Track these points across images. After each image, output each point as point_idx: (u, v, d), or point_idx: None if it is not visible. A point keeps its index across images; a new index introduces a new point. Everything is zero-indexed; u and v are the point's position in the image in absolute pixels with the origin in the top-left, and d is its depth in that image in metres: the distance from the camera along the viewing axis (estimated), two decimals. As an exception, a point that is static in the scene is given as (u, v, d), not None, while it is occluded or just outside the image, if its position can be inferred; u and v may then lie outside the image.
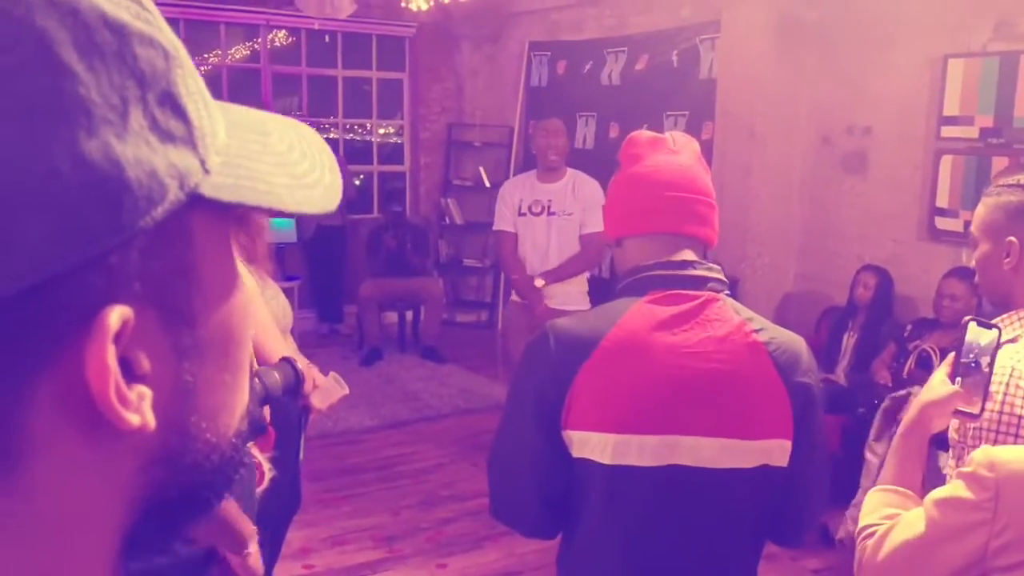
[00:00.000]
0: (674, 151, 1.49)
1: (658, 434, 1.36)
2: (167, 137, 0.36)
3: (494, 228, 4.52)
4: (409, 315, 7.07)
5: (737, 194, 5.27)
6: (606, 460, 1.36)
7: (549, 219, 4.32)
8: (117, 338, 0.35)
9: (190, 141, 0.38)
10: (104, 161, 0.33)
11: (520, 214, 4.37)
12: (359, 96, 7.99)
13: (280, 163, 0.42)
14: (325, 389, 2.33)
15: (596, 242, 4.24)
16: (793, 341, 1.44)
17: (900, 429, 1.40)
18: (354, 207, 7.47)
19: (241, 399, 0.44)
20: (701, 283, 1.43)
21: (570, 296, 4.26)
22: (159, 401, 0.37)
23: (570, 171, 4.38)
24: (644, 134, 1.54)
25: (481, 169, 7.73)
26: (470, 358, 6.66)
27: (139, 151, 0.35)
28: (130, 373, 0.36)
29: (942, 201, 4.55)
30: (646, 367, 1.36)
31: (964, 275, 4.11)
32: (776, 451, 1.40)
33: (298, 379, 2.10)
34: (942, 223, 4.56)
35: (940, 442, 1.53)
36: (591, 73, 6.56)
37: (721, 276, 1.46)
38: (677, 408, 1.36)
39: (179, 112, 0.37)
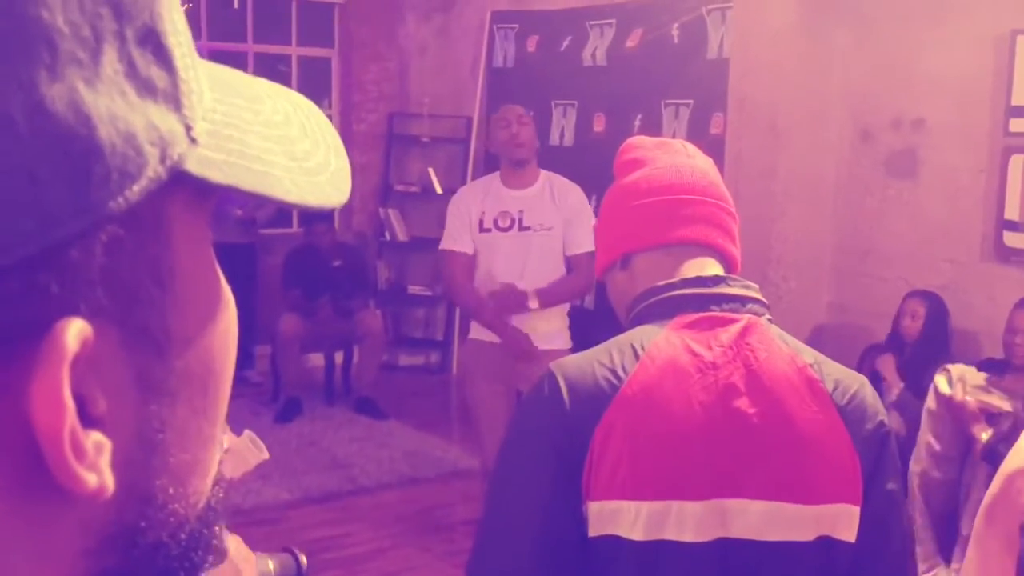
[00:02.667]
0: (688, 155, 1.58)
1: (700, 499, 1.37)
2: (147, 89, 0.35)
3: (441, 247, 4.41)
4: (339, 357, 7.01)
5: (756, 203, 5.28)
6: (637, 536, 1.35)
7: (522, 235, 4.19)
8: (73, 365, 0.33)
9: (174, 97, 0.36)
10: (69, 113, 0.32)
11: (483, 230, 4.22)
12: (275, 78, 7.85)
13: (277, 138, 0.41)
14: (238, 453, 2.29)
15: (589, 264, 4.17)
16: (854, 378, 1.48)
17: (982, 509, 1.36)
18: (268, 220, 7.39)
19: (215, 456, 0.43)
20: (739, 303, 1.45)
21: (553, 333, 4.18)
22: (118, 456, 0.35)
23: (543, 173, 4.30)
24: (647, 138, 1.63)
25: (431, 171, 7.74)
26: (417, 412, 6.66)
27: (113, 104, 0.33)
28: (83, 415, 0.34)
29: (1012, 212, 4.59)
30: (682, 414, 1.37)
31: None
32: (842, 520, 1.40)
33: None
34: (1012, 239, 4.60)
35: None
36: (570, 51, 6.61)
37: (760, 296, 1.49)
38: (720, 465, 1.38)
39: (163, 57, 0.36)
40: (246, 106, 0.41)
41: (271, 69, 7.94)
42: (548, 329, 4.17)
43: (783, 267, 5.36)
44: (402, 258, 7.99)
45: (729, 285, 1.46)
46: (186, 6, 7.53)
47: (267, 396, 6.74)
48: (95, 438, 0.34)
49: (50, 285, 0.32)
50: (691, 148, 1.61)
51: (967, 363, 4.43)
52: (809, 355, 1.45)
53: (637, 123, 5.97)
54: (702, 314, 1.43)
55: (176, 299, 0.38)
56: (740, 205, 5.87)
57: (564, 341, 4.20)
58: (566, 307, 4.32)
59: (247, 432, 2.36)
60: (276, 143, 0.41)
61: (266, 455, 2.38)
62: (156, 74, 0.36)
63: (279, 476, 5.36)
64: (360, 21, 7.83)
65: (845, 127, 5.28)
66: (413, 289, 7.90)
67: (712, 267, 1.49)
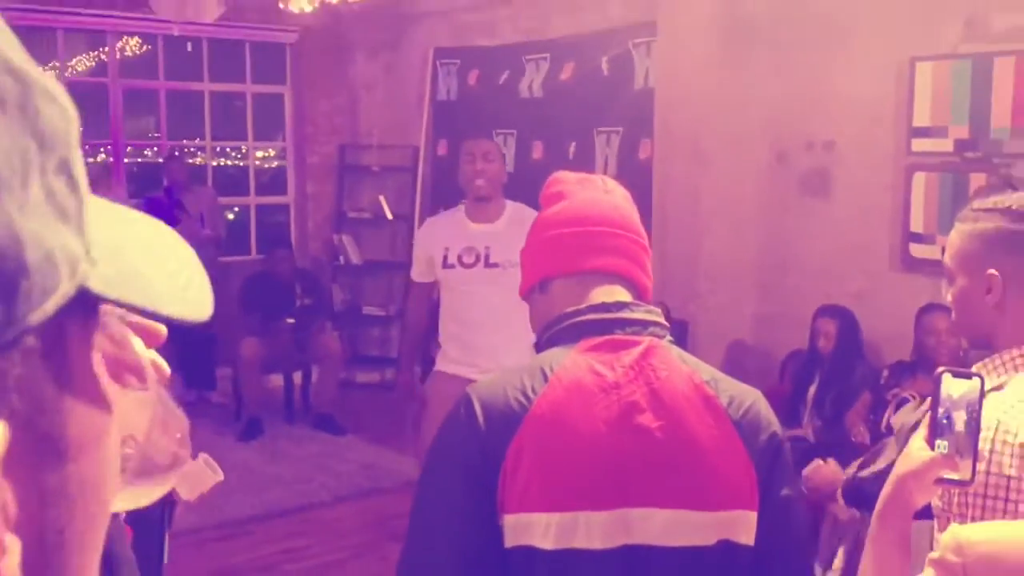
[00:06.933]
0: (606, 190, 1.63)
1: (606, 509, 1.40)
2: (61, 214, 0.36)
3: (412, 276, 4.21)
4: (298, 377, 7.00)
5: (683, 222, 5.39)
6: (548, 545, 1.38)
7: (489, 272, 3.82)
8: None
9: (79, 222, 0.38)
10: (5, 236, 0.33)
11: (446, 266, 3.86)
12: (231, 114, 7.95)
13: (152, 258, 0.43)
14: (194, 475, 2.28)
15: None
16: (748, 393, 1.51)
17: (877, 509, 1.41)
18: (227, 247, 7.38)
19: (98, 560, 0.42)
20: (641, 327, 1.50)
21: None
22: (24, 564, 0.34)
23: (510, 205, 3.93)
24: (570, 173, 1.69)
25: (381, 198, 7.77)
26: (373, 427, 6.62)
27: (38, 227, 0.35)
28: None
29: (916, 225, 4.69)
30: (587, 430, 1.41)
31: (946, 310, 4.22)
32: (740, 525, 1.44)
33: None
34: (918, 251, 4.70)
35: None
36: (508, 84, 6.69)
37: (662, 319, 1.54)
38: (624, 477, 1.41)
39: (73, 185, 0.38)
40: (123, 226, 0.43)
41: (227, 106, 7.94)
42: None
43: (709, 281, 5.42)
44: (357, 281, 7.98)
45: (632, 310, 1.50)
46: (145, 48, 7.52)
47: (230, 416, 6.64)
48: (9, 539, 0.34)
49: None
50: (610, 183, 1.65)
51: (878, 367, 4.55)
52: (707, 373, 1.49)
53: (572, 150, 6.07)
54: (606, 337, 1.47)
55: (74, 408, 0.38)
56: (669, 224, 5.88)
57: None
58: (531, 339, 4.11)
59: (202, 455, 2.34)
60: (151, 261, 0.42)
61: (220, 477, 2.36)
62: (68, 201, 0.37)
63: (242, 492, 5.29)
64: (311, 59, 7.81)
65: (763, 150, 5.35)
66: (368, 310, 7.89)
67: (619, 294, 1.53)
